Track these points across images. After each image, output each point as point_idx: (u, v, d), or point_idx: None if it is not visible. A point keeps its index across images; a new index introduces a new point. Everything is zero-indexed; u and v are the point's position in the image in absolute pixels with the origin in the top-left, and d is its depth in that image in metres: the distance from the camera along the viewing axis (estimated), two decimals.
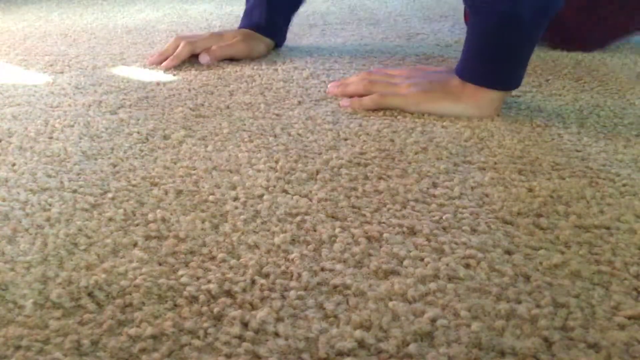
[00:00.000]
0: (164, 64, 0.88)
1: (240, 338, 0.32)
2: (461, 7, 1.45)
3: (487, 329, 0.32)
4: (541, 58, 0.90)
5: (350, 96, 0.72)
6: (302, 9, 1.43)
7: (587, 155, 0.55)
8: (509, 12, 0.60)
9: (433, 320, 0.33)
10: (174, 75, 0.84)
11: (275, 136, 0.61)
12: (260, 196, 0.48)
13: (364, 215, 0.45)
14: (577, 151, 0.56)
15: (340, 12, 1.39)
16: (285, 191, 0.49)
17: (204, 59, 0.88)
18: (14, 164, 0.55)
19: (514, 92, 0.73)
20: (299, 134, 0.61)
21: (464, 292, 0.35)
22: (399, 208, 0.46)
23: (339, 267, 0.38)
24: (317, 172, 0.52)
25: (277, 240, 0.41)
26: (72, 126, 0.64)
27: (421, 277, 0.37)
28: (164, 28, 1.22)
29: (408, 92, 0.67)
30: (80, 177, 0.52)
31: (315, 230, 0.43)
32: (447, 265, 0.38)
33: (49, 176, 0.52)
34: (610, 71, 0.83)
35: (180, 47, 0.88)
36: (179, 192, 0.49)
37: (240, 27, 0.97)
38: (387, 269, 0.38)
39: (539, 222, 0.43)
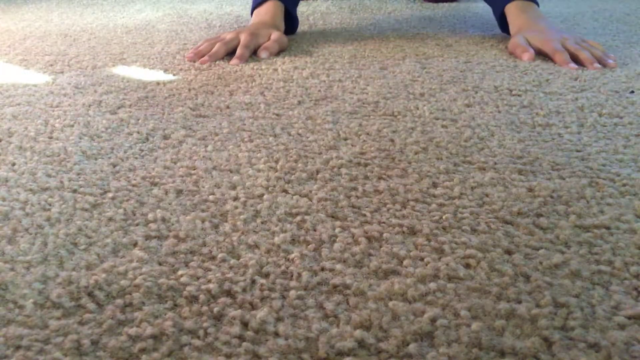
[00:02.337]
0: (200, 60, 0.93)
1: (240, 338, 0.32)
2: (461, 7, 1.45)
3: (487, 329, 0.32)
4: (541, 57, 0.90)
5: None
6: (302, 9, 1.43)
7: (587, 155, 0.55)
8: None
9: (433, 320, 0.33)
10: (174, 75, 0.84)
11: (275, 136, 0.61)
12: (260, 196, 0.48)
13: (364, 215, 0.45)
14: (577, 151, 0.56)
15: (340, 12, 1.39)
16: (285, 191, 0.49)
17: (264, 54, 0.94)
18: (14, 164, 0.55)
19: (514, 91, 0.73)
20: (299, 134, 0.61)
21: (464, 292, 0.35)
22: (399, 208, 0.46)
23: (339, 267, 0.38)
24: (317, 172, 0.52)
25: (277, 240, 0.41)
26: (72, 126, 0.64)
27: (421, 277, 0.37)
28: (164, 28, 1.22)
29: None
30: (80, 177, 0.52)
31: (315, 230, 0.43)
32: (447, 265, 0.38)
33: (49, 176, 0.52)
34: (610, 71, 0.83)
35: (216, 47, 0.94)
36: (179, 192, 0.49)
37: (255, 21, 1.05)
38: (387, 269, 0.38)
39: (539, 222, 0.43)
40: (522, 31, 0.96)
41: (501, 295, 0.35)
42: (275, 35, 0.98)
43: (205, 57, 0.92)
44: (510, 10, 1.01)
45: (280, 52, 0.98)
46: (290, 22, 1.10)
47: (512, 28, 1.00)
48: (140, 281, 0.37)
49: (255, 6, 1.08)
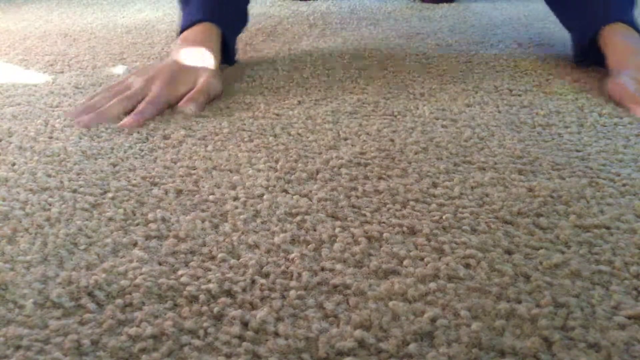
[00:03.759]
0: (77, 120, 0.64)
1: (240, 338, 0.32)
2: (461, 7, 1.45)
3: (487, 329, 0.32)
4: (541, 58, 0.90)
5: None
6: (302, 9, 1.43)
7: (587, 155, 0.55)
8: None
9: (433, 320, 0.33)
10: None
11: (275, 136, 0.61)
12: (260, 196, 0.48)
13: (364, 215, 0.45)
14: (577, 151, 0.56)
15: (340, 12, 1.39)
16: (285, 191, 0.49)
17: (188, 108, 0.67)
18: (14, 164, 0.55)
19: (514, 91, 0.73)
20: (299, 134, 0.61)
21: (464, 292, 0.35)
22: (399, 208, 0.46)
23: (339, 267, 0.38)
24: (317, 172, 0.52)
25: (277, 240, 0.41)
26: (72, 126, 0.64)
27: (421, 277, 0.37)
28: (164, 28, 1.22)
29: None
30: (80, 177, 0.52)
31: (315, 230, 0.43)
32: (447, 265, 0.38)
33: (49, 176, 0.52)
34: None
35: (110, 103, 0.66)
36: (179, 192, 0.49)
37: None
38: (387, 269, 0.38)
39: (539, 222, 0.43)
40: (624, 66, 0.72)
41: (501, 295, 0.35)
42: (201, 80, 0.71)
43: (85, 118, 0.63)
44: (608, 35, 0.76)
45: (211, 100, 0.71)
46: (227, 52, 0.85)
47: (611, 60, 0.75)
48: (140, 281, 0.37)
49: (184, 27, 0.81)
